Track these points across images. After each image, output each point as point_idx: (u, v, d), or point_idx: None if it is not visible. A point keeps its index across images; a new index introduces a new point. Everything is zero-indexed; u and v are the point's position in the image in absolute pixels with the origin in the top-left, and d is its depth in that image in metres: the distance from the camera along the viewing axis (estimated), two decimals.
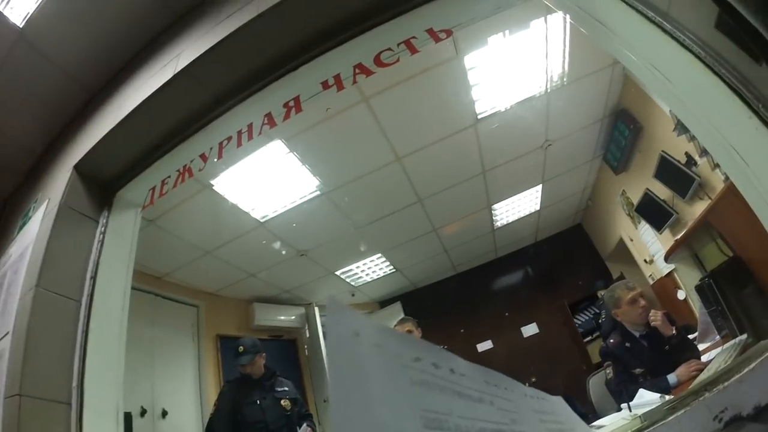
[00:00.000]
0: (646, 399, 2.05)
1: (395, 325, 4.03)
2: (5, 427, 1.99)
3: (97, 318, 2.34)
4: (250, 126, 2.49)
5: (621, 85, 4.27)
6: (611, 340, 3.00)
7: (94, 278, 2.43)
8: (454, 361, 0.43)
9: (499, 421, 0.42)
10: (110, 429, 2.20)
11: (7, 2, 2.43)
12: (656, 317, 2.77)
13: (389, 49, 2.24)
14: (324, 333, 7.39)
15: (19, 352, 2.08)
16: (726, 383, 1.14)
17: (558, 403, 0.63)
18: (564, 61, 3.74)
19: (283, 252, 5.65)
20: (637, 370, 2.75)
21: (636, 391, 2.31)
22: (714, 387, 1.16)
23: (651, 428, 1.24)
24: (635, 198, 4.82)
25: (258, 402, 3.50)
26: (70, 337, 2.25)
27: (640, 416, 1.36)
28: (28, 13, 2.49)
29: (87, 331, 2.27)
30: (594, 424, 1.95)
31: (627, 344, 2.92)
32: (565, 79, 3.95)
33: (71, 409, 2.09)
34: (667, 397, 1.85)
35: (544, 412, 0.54)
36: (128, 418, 4.15)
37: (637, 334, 2.92)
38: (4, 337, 2.31)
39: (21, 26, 2.53)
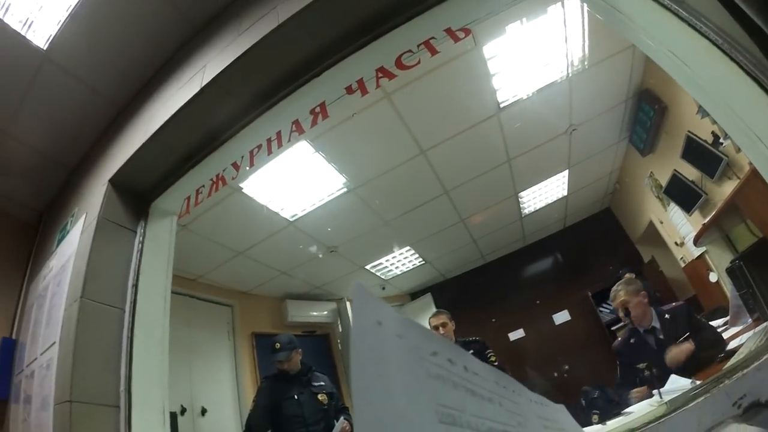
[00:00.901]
0: (678, 385, 2.05)
1: (430, 318, 4.07)
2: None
3: (140, 324, 2.43)
4: (278, 134, 2.53)
5: (643, 65, 4.21)
6: (619, 338, 3.06)
7: (135, 286, 2.51)
8: (468, 359, 0.44)
9: (507, 422, 0.42)
10: (158, 428, 2.29)
11: (29, 26, 2.53)
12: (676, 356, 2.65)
13: (409, 51, 2.26)
14: None
15: (67, 361, 2.18)
16: (745, 370, 1.16)
17: (561, 410, 0.64)
18: (584, 44, 3.71)
19: (314, 249, 5.74)
20: (641, 365, 2.74)
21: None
22: (734, 374, 1.18)
23: (674, 414, 1.28)
24: (663, 180, 4.75)
25: (296, 397, 3.57)
26: (116, 343, 2.35)
27: (666, 402, 1.39)
28: (51, 35, 2.58)
29: (132, 337, 2.36)
30: (625, 411, 1.97)
31: (632, 340, 2.94)
32: (586, 63, 3.91)
33: (120, 411, 2.19)
34: (698, 382, 1.86)
35: (548, 418, 0.55)
36: (173, 417, 4.29)
37: (641, 330, 2.92)
38: (51, 346, 2.41)
39: (45, 48, 2.63)
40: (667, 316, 2.88)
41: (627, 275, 5.97)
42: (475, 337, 4.21)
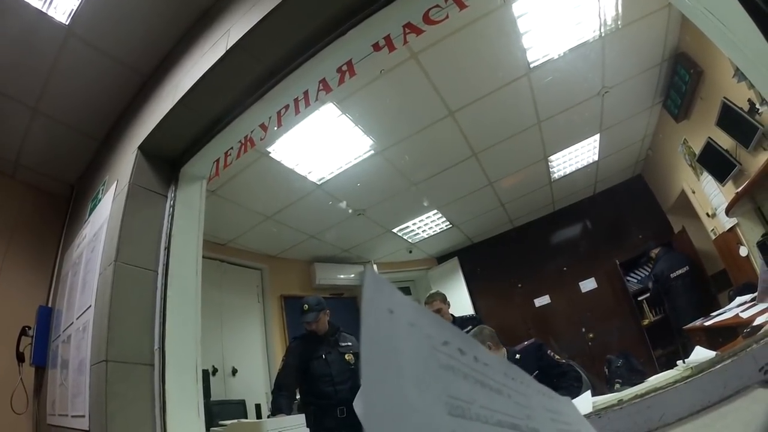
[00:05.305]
0: (702, 356, 2.03)
1: (425, 302, 4.14)
2: (92, 391, 2.19)
3: (173, 285, 2.50)
4: (306, 93, 2.50)
5: (679, 27, 3.99)
6: None
7: (168, 249, 2.58)
8: (478, 349, 0.42)
9: (516, 415, 0.41)
10: (191, 385, 2.39)
11: (50, 3, 2.54)
12: None
13: (437, 6, 2.20)
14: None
15: (103, 322, 2.26)
16: None
17: (567, 403, 0.62)
18: (617, 3, 3.55)
19: (341, 212, 5.78)
20: None
21: None
22: (762, 340, 1.16)
23: (698, 376, 1.27)
24: (697, 147, 4.57)
25: (324, 356, 3.65)
26: (150, 304, 2.43)
27: (691, 367, 1.39)
28: (72, 9, 2.60)
29: (165, 298, 2.44)
30: (649, 379, 1.96)
31: None
32: (619, 22, 3.74)
33: (154, 369, 2.28)
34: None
35: (555, 411, 0.54)
36: (206, 375, 4.44)
37: None
38: (86, 310, 2.51)
39: (67, 23, 2.65)
40: (517, 356, 3.06)
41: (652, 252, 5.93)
42: (472, 314, 4.35)
